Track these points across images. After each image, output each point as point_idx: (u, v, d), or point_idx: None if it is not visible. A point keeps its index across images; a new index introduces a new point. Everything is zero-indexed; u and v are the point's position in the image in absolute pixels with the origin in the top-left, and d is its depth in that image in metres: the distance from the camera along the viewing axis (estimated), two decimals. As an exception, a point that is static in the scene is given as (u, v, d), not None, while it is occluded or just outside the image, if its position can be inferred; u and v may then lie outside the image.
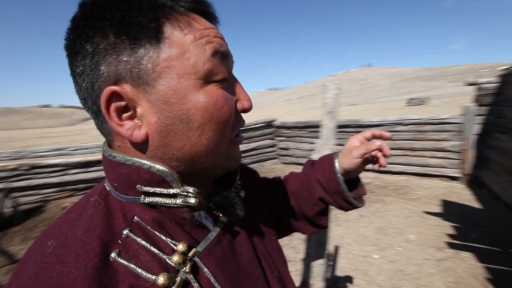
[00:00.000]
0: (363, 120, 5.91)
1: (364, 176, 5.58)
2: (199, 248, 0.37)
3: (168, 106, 0.33)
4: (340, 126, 5.81)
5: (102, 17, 0.31)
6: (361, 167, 0.60)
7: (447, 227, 3.48)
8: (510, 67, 4.09)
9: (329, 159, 0.63)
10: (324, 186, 0.62)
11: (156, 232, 0.34)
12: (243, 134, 0.44)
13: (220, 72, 0.35)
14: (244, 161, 6.86)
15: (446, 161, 5.02)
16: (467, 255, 2.86)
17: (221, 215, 0.43)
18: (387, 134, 0.57)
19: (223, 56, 0.36)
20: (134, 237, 0.33)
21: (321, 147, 1.06)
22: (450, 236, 3.26)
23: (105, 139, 0.40)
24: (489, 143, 4.52)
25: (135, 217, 0.35)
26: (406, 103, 34.28)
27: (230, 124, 0.37)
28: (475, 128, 4.68)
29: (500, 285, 2.38)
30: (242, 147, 6.12)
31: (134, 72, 0.32)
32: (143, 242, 0.33)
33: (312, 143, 6.56)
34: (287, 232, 0.72)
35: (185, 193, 0.35)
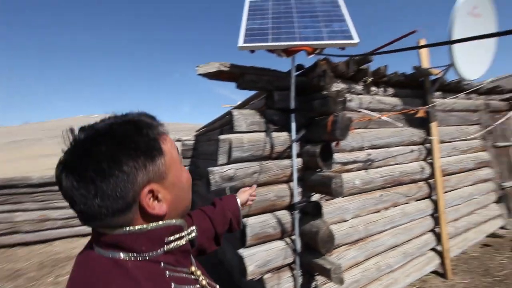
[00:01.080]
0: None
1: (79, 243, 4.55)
2: (194, 266, 0.59)
3: (174, 185, 0.54)
4: (12, 186, 4.52)
5: (132, 147, 0.47)
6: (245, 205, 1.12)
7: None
8: (199, 130, 5.46)
9: (233, 196, 1.08)
10: (232, 212, 1.01)
11: (177, 267, 0.53)
12: None
13: (180, 159, 0.60)
14: None
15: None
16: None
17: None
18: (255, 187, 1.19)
19: (178, 150, 0.61)
20: (171, 274, 0.51)
21: None
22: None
23: (105, 230, 0.49)
24: (193, 188, 5.57)
25: (162, 264, 0.50)
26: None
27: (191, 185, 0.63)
28: (184, 176, 5.62)
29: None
30: None
31: (157, 174, 0.50)
32: (175, 274, 0.52)
33: (13, 211, 4.47)
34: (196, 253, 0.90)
35: (190, 232, 0.59)
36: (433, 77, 2.74)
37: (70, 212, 4.84)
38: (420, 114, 2.39)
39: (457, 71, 2.46)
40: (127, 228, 0.48)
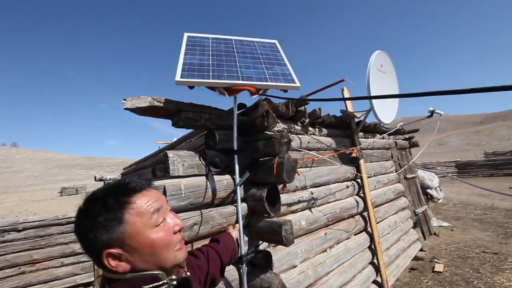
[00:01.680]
0: None
1: None
2: None
3: (137, 250, 0.61)
4: None
5: (94, 221, 0.60)
6: None
7: None
8: (128, 167, 4.79)
9: (228, 233, 1.36)
10: (231, 245, 1.23)
11: None
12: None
13: (159, 219, 0.66)
14: None
15: (78, 267, 4.34)
16: None
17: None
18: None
19: (158, 210, 0.66)
20: None
21: None
22: None
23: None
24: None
25: None
26: (59, 192, 30.81)
27: (172, 244, 0.67)
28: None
29: None
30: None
31: (116, 241, 0.60)
32: None
33: None
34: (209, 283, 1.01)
35: (169, 281, 0.65)
36: (357, 120, 3.08)
37: None
38: (355, 154, 2.59)
39: (375, 115, 2.83)
40: (111, 275, 0.62)
